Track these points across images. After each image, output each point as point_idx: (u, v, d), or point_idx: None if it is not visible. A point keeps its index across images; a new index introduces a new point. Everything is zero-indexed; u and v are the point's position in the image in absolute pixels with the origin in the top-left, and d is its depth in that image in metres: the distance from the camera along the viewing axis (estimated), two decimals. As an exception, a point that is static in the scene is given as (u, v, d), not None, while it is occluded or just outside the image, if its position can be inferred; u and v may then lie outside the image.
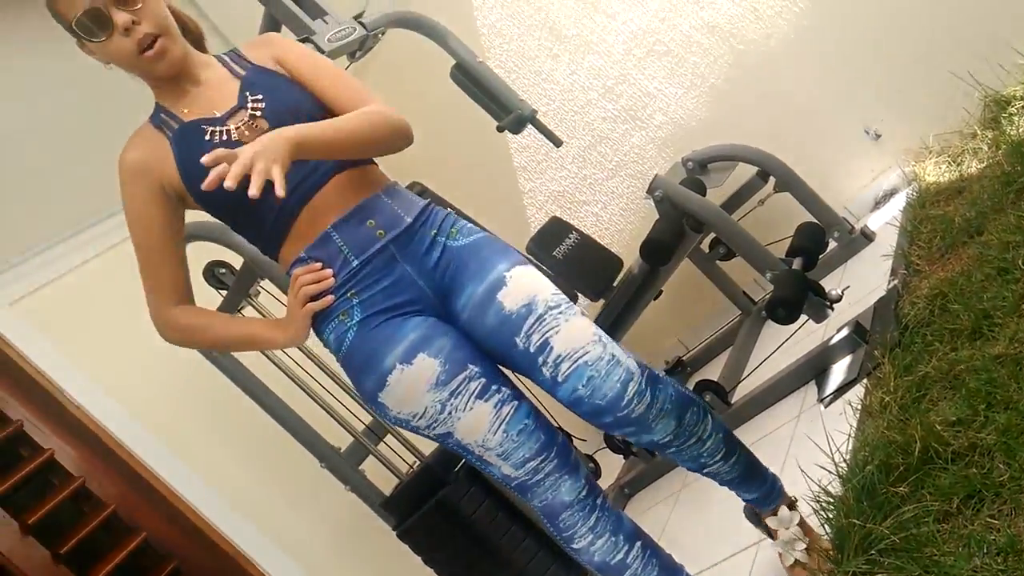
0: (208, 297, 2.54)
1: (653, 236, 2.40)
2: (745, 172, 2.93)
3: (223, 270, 2.58)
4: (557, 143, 2.81)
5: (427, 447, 2.63)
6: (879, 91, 2.94)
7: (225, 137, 1.48)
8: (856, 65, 2.94)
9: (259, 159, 1.27)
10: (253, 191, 1.24)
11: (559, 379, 1.45)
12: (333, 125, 1.44)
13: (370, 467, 2.66)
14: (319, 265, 1.47)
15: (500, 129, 2.70)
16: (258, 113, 1.49)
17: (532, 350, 1.46)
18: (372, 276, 1.47)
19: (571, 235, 2.77)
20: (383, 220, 1.49)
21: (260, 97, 1.50)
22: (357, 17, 2.58)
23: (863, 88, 2.96)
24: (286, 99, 1.51)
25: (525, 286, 1.48)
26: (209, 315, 1.63)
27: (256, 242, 1.56)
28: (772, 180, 2.84)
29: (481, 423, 1.44)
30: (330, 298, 1.47)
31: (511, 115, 2.67)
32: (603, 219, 3.58)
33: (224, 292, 2.55)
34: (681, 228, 2.40)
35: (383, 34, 2.69)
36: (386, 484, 2.64)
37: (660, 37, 3.19)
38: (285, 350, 2.60)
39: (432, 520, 2.47)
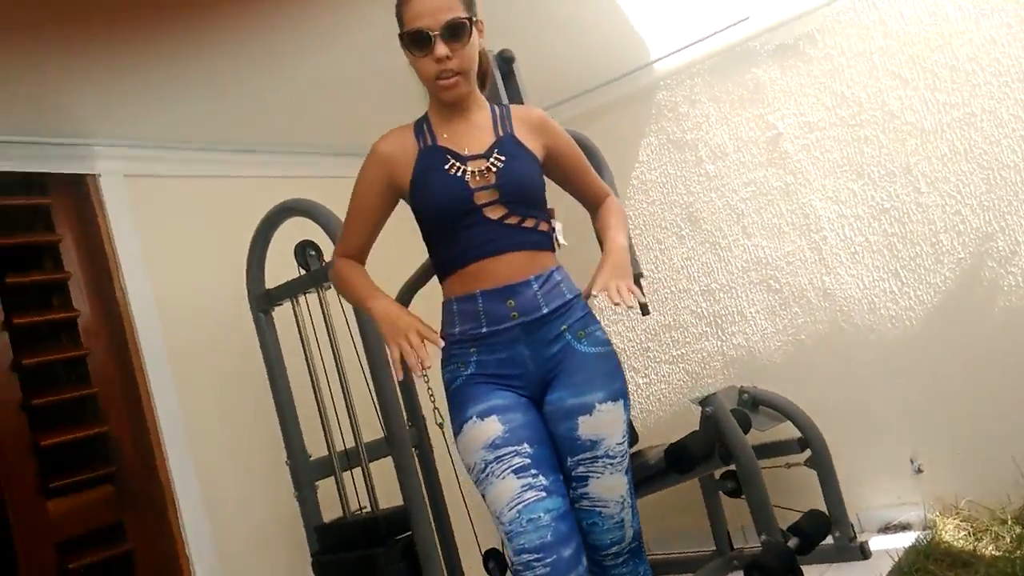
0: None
1: (686, 445, 2.47)
2: (789, 430, 2.99)
3: (312, 252, 2.71)
4: (645, 311, 2.92)
5: (385, 500, 2.67)
6: (944, 432, 3.00)
7: (459, 174, 1.69)
8: (934, 398, 3.01)
9: (621, 276, 1.70)
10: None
11: (576, 506, 1.67)
12: (624, 230, 1.84)
13: (326, 489, 2.70)
14: (442, 344, 1.69)
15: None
16: (494, 169, 1.69)
17: (573, 475, 1.68)
18: (494, 345, 1.68)
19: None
20: (521, 305, 1.68)
21: (504, 159, 1.71)
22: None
23: (931, 421, 3.02)
24: (521, 170, 1.72)
25: (604, 424, 1.68)
26: (351, 273, 1.82)
27: (434, 259, 1.79)
28: (808, 452, 2.90)
29: (504, 495, 1.58)
30: (398, 371, 1.61)
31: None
32: (642, 392, 3.65)
33: (303, 271, 2.67)
34: (712, 450, 2.47)
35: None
36: (328, 511, 2.68)
37: (778, 276, 3.32)
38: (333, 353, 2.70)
39: (350, 568, 2.49)
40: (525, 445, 1.61)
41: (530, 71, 2.55)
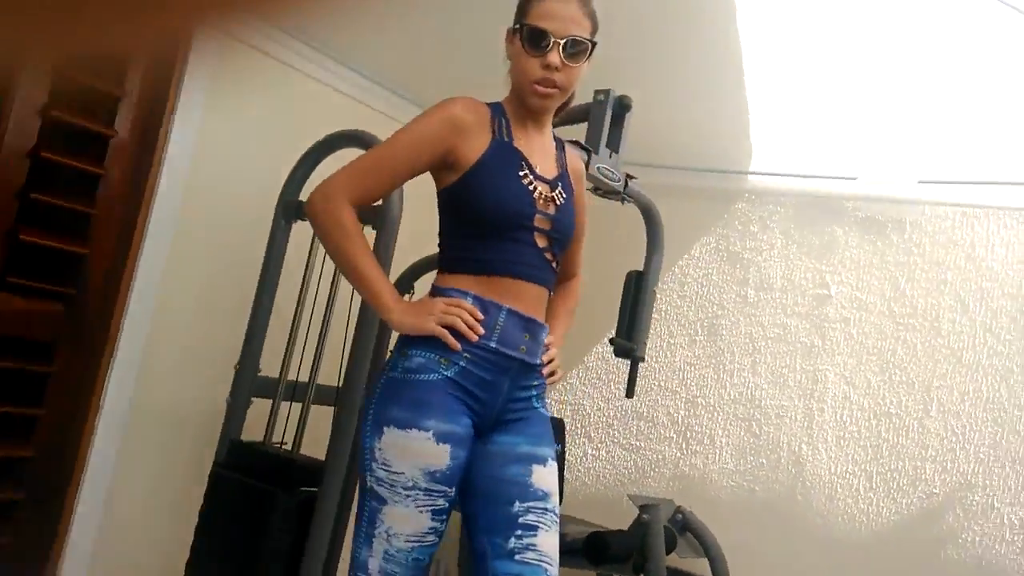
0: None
1: (608, 542, 2.44)
2: (703, 568, 2.95)
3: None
4: (630, 393, 2.89)
5: (308, 448, 2.62)
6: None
7: (530, 187, 1.63)
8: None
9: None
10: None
11: (517, 557, 1.56)
12: (566, 323, 1.85)
13: (258, 411, 2.64)
14: (482, 318, 1.59)
15: (611, 341, 2.80)
16: (557, 202, 1.66)
17: (520, 521, 1.58)
18: (489, 365, 1.61)
19: (557, 446, 2.81)
20: (531, 345, 1.66)
21: (565, 197, 1.68)
22: (629, 176, 2.73)
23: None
24: (571, 213, 1.71)
25: (551, 483, 1.65)
26: (357, 233, 1.63)
27: (456, 249, 1.66)
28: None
29: (409, 526, 1.53)
30: (454, 342, 1.57)
31: (630, 344, 2.76)
32: (586, 463, 3.61)
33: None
34: (629, 555, 2.43)
35: (624, 203, 2.84)
36: (248, 433, 2.62)
37: (761, 421, 3.29)
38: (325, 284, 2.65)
39: (244, 494, 2.44)
40: (452, 489, 1.57)
41: (633, 122, 2.53)
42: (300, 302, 2.64)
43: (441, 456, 1.54)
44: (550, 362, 1.70)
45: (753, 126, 3.11)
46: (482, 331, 1.57)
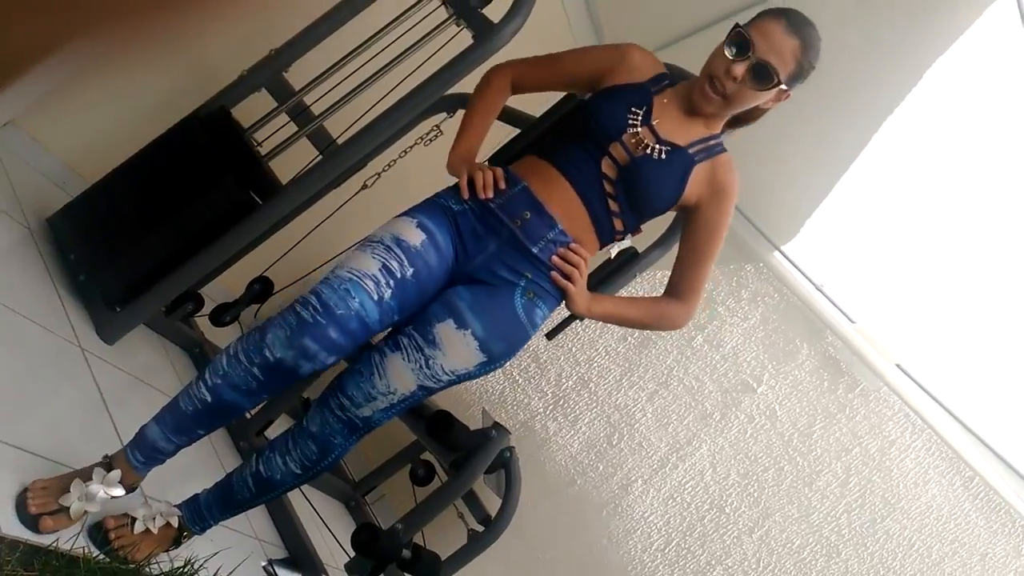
0: None
1: (453, 426, 2.48)
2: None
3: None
4: (550, 336, 2.92)
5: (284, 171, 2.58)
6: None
7: (632, 123, 1.70)
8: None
9: (579, 293, 1.71)
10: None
11: (369, 355, 1.66)
12: (633, 309, 1.85)
13: (260, 103, 2.56)
14: (502, 184, 1.70)
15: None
16: (647, 152, 1.68)
17: (395, 335, 1.66)
18: (483, 221, 1.69)
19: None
20: (529, 225, 1.68)
21: (663, 159, 1.69)
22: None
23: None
24: (659, 181, 1.70)
25: (449, 346, 1.63)
26: (492, 96, 1.89)
27: (549, 138, 1.83)
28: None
29: (358, 262, 1.59)
30: (464, 188, 1.70)
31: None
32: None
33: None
34: (458, 451, 2.52)
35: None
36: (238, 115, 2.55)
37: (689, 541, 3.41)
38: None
39: (205, 157, 2.37)
40: (409, 269, 1.60)
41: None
42: (366, 46, 2.55)
43: (415, 235, 1.63)
44: (563, 259, 1.67)
45: (812, 221, 3.14)
46: (491, 194, 1.67)
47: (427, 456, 3.04)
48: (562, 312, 2.82)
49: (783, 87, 1.65)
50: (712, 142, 1.75)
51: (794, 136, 2.90)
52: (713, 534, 3.20)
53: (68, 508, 1.47)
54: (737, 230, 3.56)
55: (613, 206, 1.71)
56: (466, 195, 1.69)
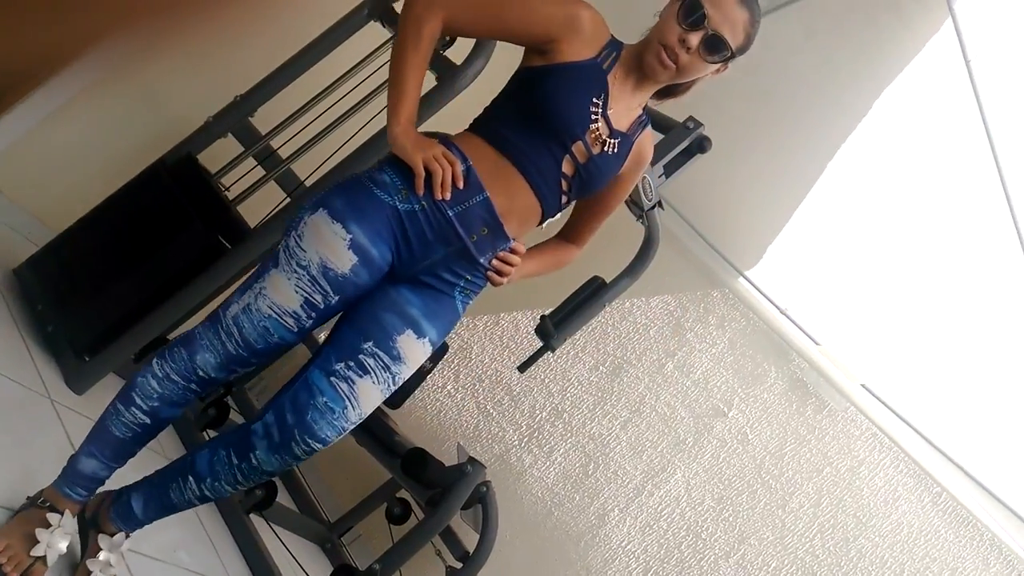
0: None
1: (428, 463, 2.51)
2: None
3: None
4: (522, 369, 2.95)
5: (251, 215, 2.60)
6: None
7: (593, 116, 1.63)
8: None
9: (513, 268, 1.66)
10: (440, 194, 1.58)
11: (331, 379, 1.57)
12: (537, 264, 1.80)
13: (226, 148, 2.60)
14: (460, 183, 1.59)
15: (542, 318, 2.85)
16: (603, 148, 1.65)
17: (359, 358, 1.59)
18: (435, 226, 1.59)
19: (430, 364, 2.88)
20: (483, 241, 1.62)
21: (614, 155, 1.68)
22: (660, 203, 2.79)
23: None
24: (608, 173, 1.70)
25: (411, 356, 1.63)
26: (425, 48, 1.63)
27: (504, 119, 1.66)
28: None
29: (280, 295, 1.55)
30: (420, 185, 1.57)
31: (553, 332, 2.82)
32: (440, 394, 3.69)
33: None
34: (434, 488, 2.52)
35: (638, 220, 2.88)
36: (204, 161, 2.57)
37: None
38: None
39: (172, 204, 2.38)
40: (335, 298, 1.56)
41: (697, 165, 2.58)
42: (331, 89, 2.60)
43: (344, 261, 1.55)
44: (503, 262, 1.65)
45: (775, 246, 3.21)
46: (449, 196, 1.57)
47: (403, 494, 3.04)
48: (535, 344, 2.88)
49: (733, 59, 1.64)
50: (643, 116, 1.76)
51: (755, 164, 2.97)
52: (691, 560, 3.22)
53: (43, 557, 1.50)
54: (702, 257, 3.62)
55: (564, 200, 1.71)
56: (420, 191, 1.57)
